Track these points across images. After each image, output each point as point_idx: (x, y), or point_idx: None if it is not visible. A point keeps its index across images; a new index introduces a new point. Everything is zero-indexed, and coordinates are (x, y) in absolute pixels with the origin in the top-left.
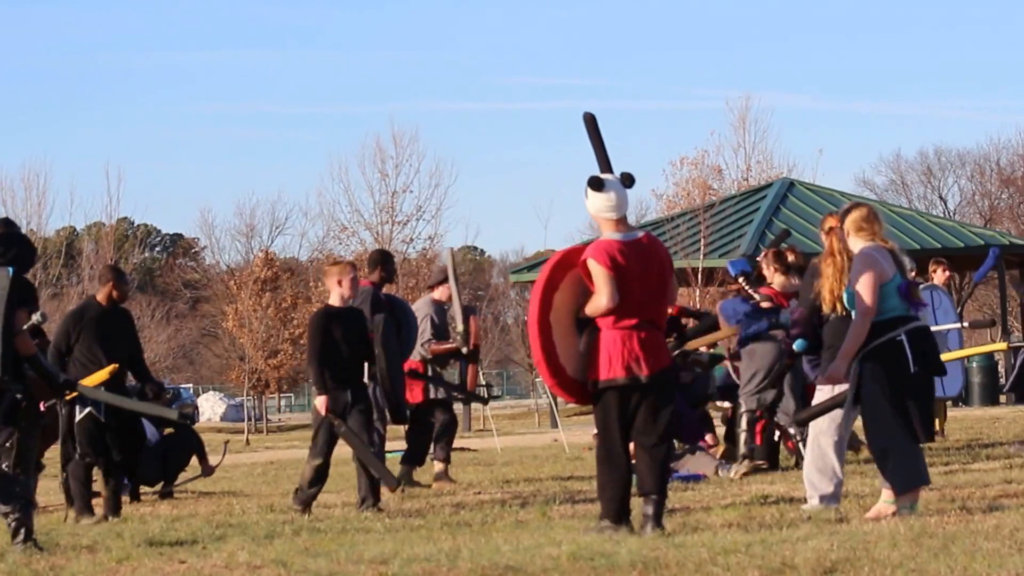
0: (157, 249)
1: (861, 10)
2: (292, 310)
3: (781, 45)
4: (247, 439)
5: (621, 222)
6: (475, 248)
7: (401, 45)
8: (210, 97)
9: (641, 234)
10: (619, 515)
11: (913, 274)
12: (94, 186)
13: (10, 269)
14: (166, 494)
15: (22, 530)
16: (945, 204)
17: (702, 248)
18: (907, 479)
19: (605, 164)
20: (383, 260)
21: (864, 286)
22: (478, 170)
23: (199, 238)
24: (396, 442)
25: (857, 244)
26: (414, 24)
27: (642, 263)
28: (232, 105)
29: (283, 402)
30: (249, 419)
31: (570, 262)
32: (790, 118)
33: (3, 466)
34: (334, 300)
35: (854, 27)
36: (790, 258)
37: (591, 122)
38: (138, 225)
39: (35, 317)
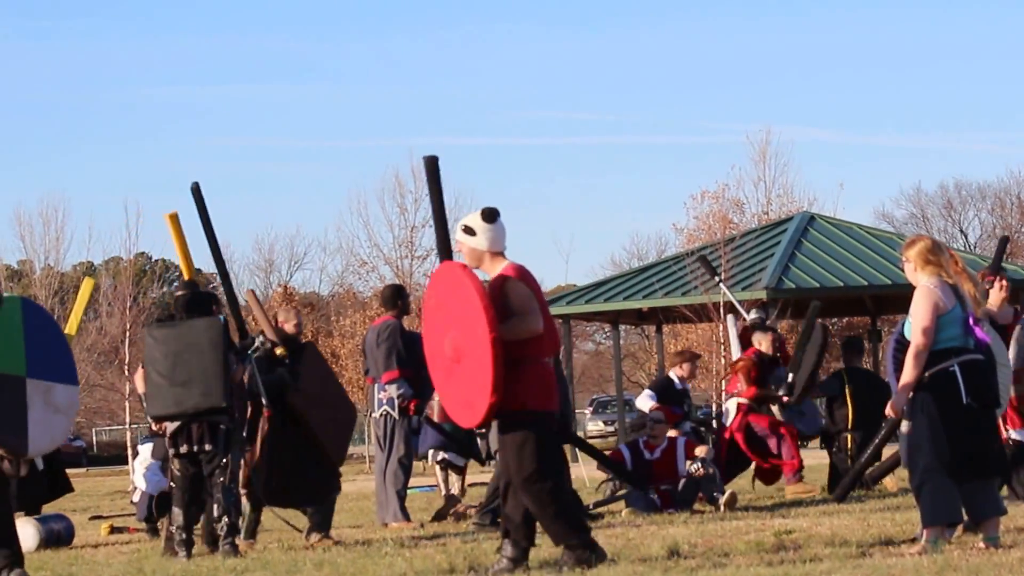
0: (175, 284)
1: (881, 45)
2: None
3: (801, 79)
4: None
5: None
6: None
7: (420, 79)
8: (228, 131)
9: None
10: (588, 539)
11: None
12: (112, 221)
13: (221, 318)
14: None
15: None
16: (966, 237)
17: (722, 282)
18: (936, 513)
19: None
20: (400, 294)
21: (920, 317)
22: (497, 205)
23: (216, 273)
24: (418, 478)
25: (923, 278)
26: (433, 58)
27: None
28: (249, 139)
29: None
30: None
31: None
32: (810, 152)
33: (221, 482)
34: None
35: (875, 61)
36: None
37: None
38: (156, 260)
39: (258, 340)
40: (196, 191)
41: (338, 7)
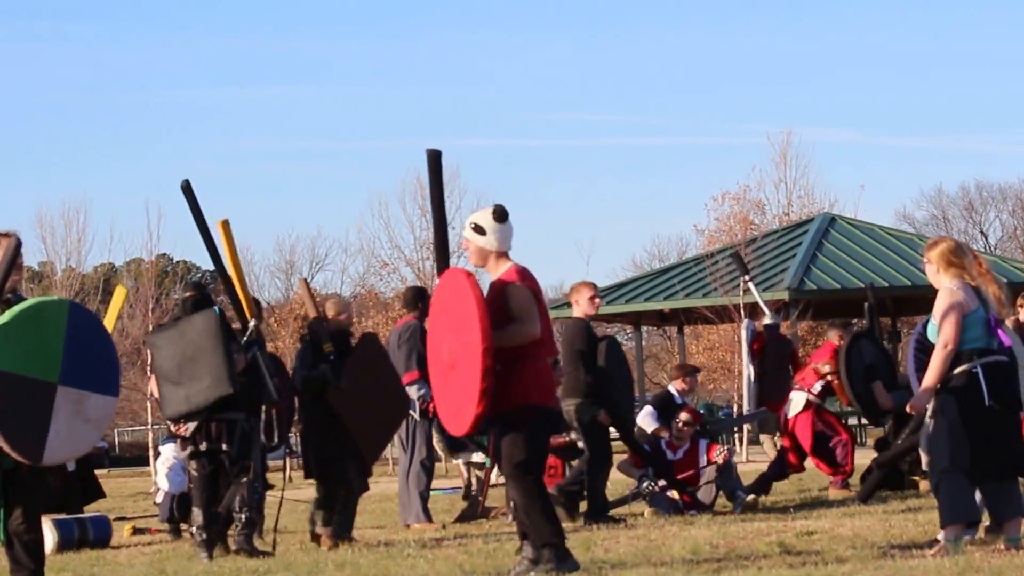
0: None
1: (902, 46)
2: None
3: (822, 81)
4: (289, 475)
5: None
6: None
7: (442, 80)
8: (249, 133)
9: None
10: (564, 545)
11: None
12: (134, 223)
13: (216, 309)
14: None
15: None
16: (986, 239)
17: (742, 284)
18: (954, 512)
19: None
20: (422, 296)
21: (946, 318)
22: (518, 206)
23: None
24: (441, 480)
25: (946, 279)
26: (455, 59)
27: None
28: (270, 141)
29: None
30: (290, 455)
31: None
32: (831, 153)
33: (245, 480)
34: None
35: (895, 63)
36: None
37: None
38: (178, 262)
39: (251, 324)
40: (186, 189)
41: (359, 9)
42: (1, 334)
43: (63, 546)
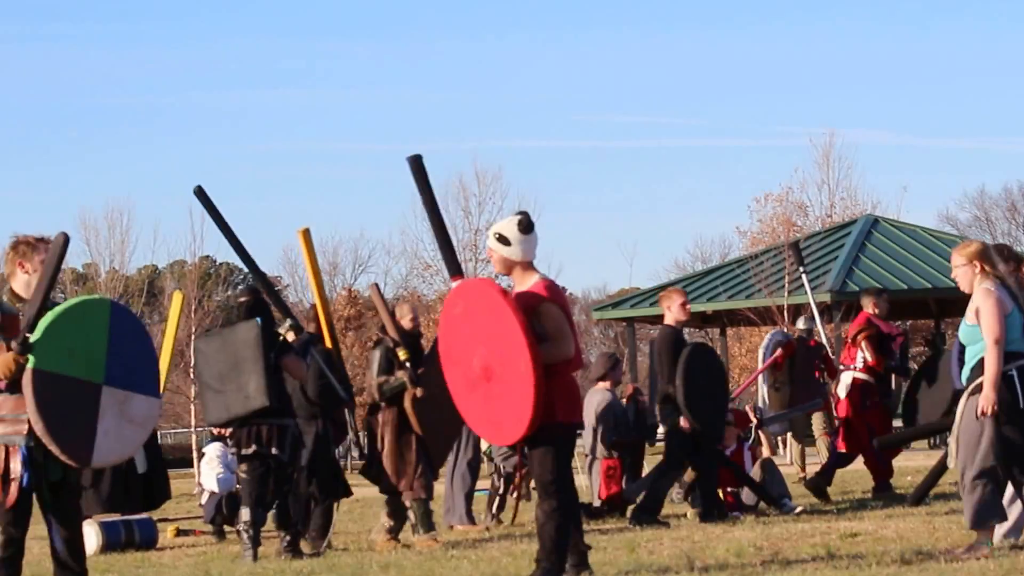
0: (240, 287)
1: (944, 48)
2: None
3: (865, 82)
4: None
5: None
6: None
7: (484, 82)
8: (291, 135)
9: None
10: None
11: None
12: (177, 225)
13: (258, 319)
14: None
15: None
16: None
17: (786, 285)
18: (979, 516)
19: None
20: None
21: (990, 316)
22: (561, 208)
23: (282, 276)
24: (485, 480)
25: (983, 281)
26: (498, 61)
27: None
28: (313, 143)
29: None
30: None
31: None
32: (874, 155)
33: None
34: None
35: (938, 64)
36: None
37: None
38: (220, 263)
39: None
40: (199, 193)
41: (402, 11)
42: (46, 335)
43: (109, 547)
